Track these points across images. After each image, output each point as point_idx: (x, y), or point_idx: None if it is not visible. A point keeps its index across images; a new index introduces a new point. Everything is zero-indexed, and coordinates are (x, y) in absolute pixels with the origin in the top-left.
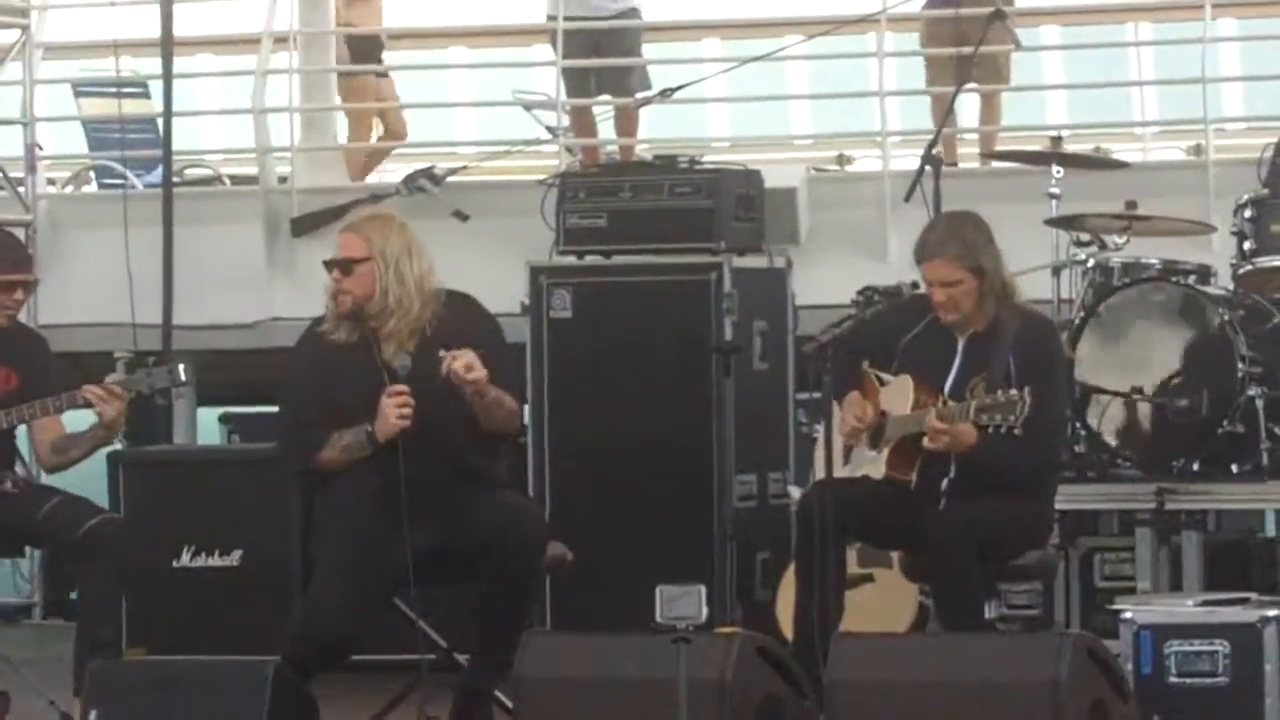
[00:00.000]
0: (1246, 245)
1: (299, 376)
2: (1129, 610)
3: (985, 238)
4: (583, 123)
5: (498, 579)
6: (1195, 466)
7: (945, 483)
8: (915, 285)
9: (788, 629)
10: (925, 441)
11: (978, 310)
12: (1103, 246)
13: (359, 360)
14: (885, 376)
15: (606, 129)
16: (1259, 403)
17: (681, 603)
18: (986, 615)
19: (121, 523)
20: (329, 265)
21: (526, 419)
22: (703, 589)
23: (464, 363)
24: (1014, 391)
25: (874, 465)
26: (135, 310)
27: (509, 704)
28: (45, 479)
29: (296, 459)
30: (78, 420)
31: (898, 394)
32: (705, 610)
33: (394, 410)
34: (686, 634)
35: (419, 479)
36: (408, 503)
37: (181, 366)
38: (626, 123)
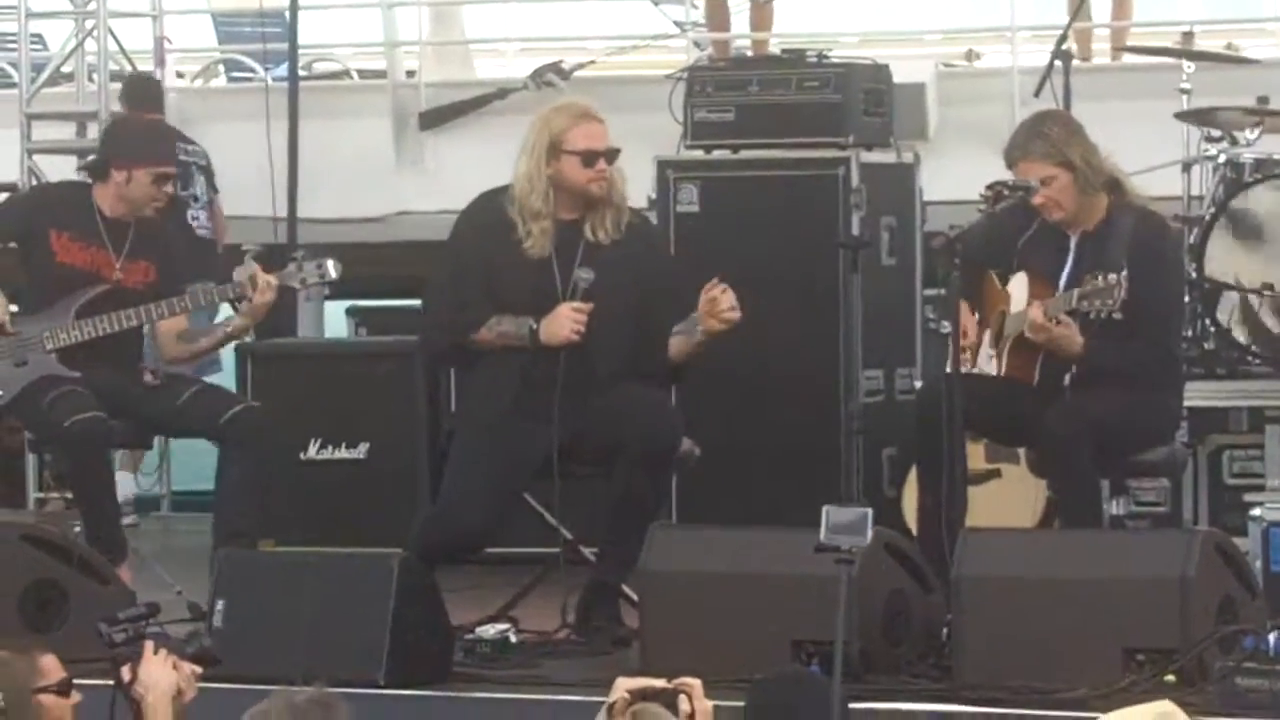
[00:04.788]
0: None
1: (467, 256)
2: (1258, 507)
3: (1070, 131)
4: (717, 16)
5: (632, 474)
6: None
7: (1068, 378)
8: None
9: (914, 525)
10: (1026, 333)
11: (1083, 206)
12: (1234, 142)
13: (541, 256)
14: (1008, 277)
15: (742, 23)
16: None
17: (847, 524)
18: (1115, 512)
19: (260, 411)
20: (595, 156)
21: None
22: (870, 511)
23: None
24: (1111, 276)
25: (993, 364)
26: (264, 203)
27: (634, 598)
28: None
29: (448, 333)
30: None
31: (1015, 293)
32: (871, 533)
33: (571, 323)
34: (850, 555)
35: (574, 377)
36: (548, 410)
37: (330, 262)
38: (761, 17)
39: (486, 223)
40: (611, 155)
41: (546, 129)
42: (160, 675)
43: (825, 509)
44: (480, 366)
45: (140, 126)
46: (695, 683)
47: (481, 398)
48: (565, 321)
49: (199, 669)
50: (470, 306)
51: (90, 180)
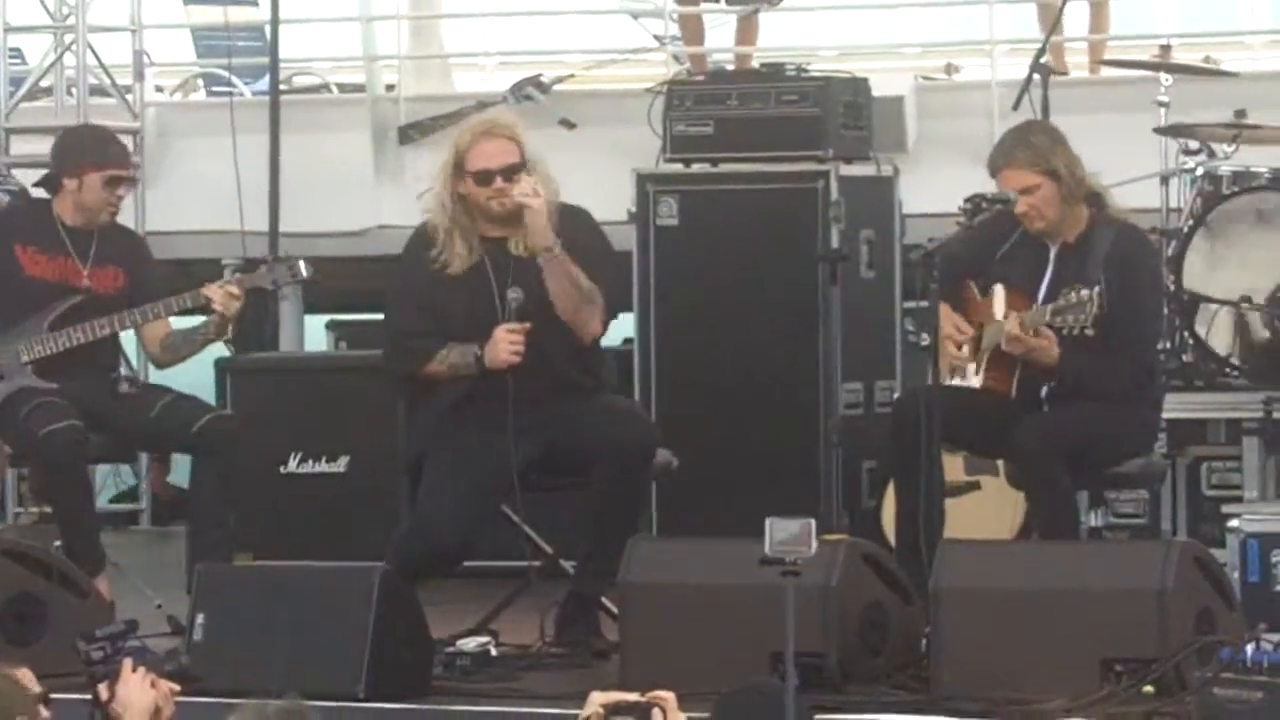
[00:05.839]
0: None
1: (407, 283)
2: (1236, 519)
3: (1055, 141)
4: (692, 31)
5: (607, 485)
6: None
7: (1045, 391)
8: None
9: (893, 537)
10: (1002, 346)
11: (1064, 217)
12: (1212, 155)
13: (472, 276)
14: (988, 289)
15: (721, 37)
16: None
17: (791, 536)
18: (1094, 523)
19: (232, 419)
20: (491, 175)
21: (632, 329)
22: (813, 522)
23: (528, 187)
24: (1084, 291)
25: (970, 376)
26: (243, 217)
27: (614, 610)
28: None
29: (400, 368)
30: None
31: (994, 305)
32: (815, 544)
33: (507, 346)
34: (795, 567)
35: (527, 391)
36: (515, 422)
37: (302, 262)
38: (747, 32)
39: (421, 249)
40: (509, 172)
41: (454, 147)
42: (138, 694)
43: (768, 521)
44: (441, 389)
45: (86, 133)
46: (669, 696)
47: (446, 419)
48: (503, 347)
49: (177, 687)
50: (417, 336)
51: (49, 195)
